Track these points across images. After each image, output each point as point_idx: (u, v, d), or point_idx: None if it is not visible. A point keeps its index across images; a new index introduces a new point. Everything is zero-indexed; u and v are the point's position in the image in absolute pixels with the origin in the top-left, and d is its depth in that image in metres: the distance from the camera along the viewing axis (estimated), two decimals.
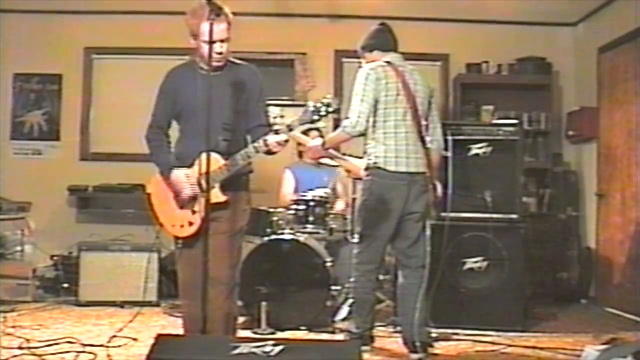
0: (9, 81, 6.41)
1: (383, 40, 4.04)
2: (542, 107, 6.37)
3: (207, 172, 2.96)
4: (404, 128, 3.84)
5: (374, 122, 3.83)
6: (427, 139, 3.93)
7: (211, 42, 3.03)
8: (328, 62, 6.44)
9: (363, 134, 3.85)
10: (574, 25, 6.46)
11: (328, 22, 6.43)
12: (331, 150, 4.28)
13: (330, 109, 3.02)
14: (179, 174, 3.23)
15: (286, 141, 3.11)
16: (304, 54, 6.41)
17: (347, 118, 3.83)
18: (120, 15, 6.30)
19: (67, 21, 6.38)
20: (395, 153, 3.82)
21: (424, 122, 3.92)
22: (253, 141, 3.17)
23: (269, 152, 3.15)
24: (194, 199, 3.20)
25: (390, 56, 3.96)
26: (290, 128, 3.07)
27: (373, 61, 3.96)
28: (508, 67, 6.38)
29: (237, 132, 3.25)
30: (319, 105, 3.03)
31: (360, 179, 4.07)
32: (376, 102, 3.81)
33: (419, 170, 3.86)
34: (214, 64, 3.12)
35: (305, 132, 5.36)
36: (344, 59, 6.41)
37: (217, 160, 3.11)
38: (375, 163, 3.84)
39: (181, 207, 3.25)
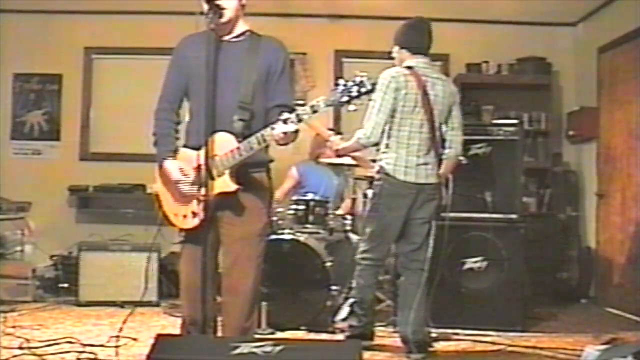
0: (9, 81, 6.41)
1: (414, 40, 4.02)
2: (542, 107, 6.38)
3: (207, 155, 2.68)
4: (417, 140, 3.84)
5: (389, 129, 3.83)
6: (446, 144, 3.93)
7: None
8: (328, 62, 6.44)
9: (377, 144, 3.86)
10: (574, 25, 6.45)
11: (328, 22, 6.43)
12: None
13: (362, 90, 2.62)
14: (171, 167, 2.87)
15: (295, 132, 2.69)
16: (304, 54, 6.40)
17: (360, 129, 3.84)
18: (120, 15, 6.30)
19: (67, 21, 6.39)
20: (405, 163, 3.83)
21: (444, 129, 3.93)
22: (265, 126, 2.73)
23: (277, 143, 2.74)
24: (195, 190, 2.80)
25: (416, 60, 3.94)
26: (314, 110, 2.65)
27: (401, 60, 3.95)
28: (508, 67, 6.38)
29: (257, 111, 2.85)
30: (350, 84, 2.63)
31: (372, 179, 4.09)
32: (393, 111, 3.80)
33: (428, 182, 3.87)
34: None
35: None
36: (344, 59, 6.41)
37: (229, 142, 2.74)
38: (385, 169, 3.86)
39: (176, 201, 2.91)
